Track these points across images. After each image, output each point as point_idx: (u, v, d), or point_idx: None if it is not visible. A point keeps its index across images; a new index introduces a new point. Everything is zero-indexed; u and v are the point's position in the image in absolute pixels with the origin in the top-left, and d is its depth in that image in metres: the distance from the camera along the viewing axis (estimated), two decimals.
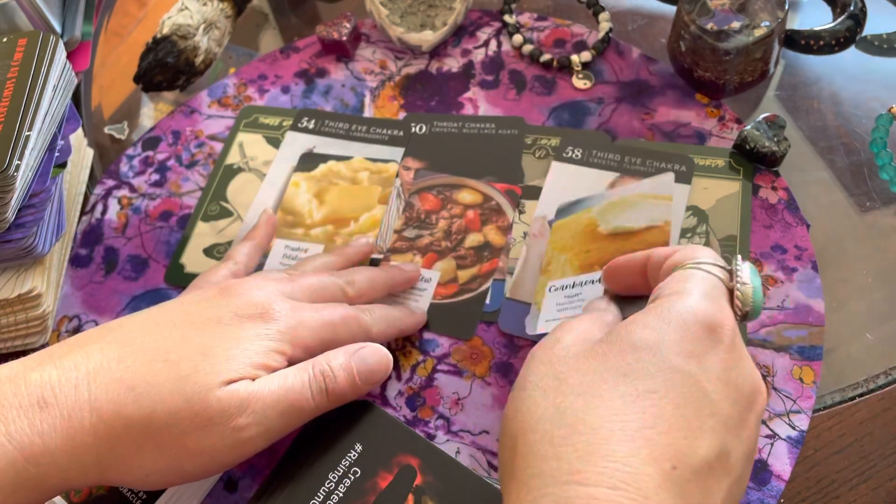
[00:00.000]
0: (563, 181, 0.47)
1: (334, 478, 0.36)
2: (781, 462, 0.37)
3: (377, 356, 0.36)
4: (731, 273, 0.30)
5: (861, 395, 0.40)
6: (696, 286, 0.29)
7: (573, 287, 0.42)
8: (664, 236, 0.40)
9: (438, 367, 0.42)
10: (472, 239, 0.46)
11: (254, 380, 0.33)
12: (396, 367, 0.42)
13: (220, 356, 0.33)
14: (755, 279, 0.29)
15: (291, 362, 0.35)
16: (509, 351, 0.42)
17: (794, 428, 0.38)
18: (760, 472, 0.37)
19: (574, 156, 0.48)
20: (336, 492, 0.35)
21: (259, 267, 0.46)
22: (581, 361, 0.28)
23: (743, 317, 0.29)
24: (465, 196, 0.48)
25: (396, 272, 0.43)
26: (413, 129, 0.52)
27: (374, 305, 0.40)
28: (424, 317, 0.43)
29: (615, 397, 0.26)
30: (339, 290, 0.40)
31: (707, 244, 0.44)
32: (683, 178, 0.46)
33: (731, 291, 0.29)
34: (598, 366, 0.27)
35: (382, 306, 0.41)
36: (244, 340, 0.34)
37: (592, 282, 0.41)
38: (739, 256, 0.30)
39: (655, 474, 0.24)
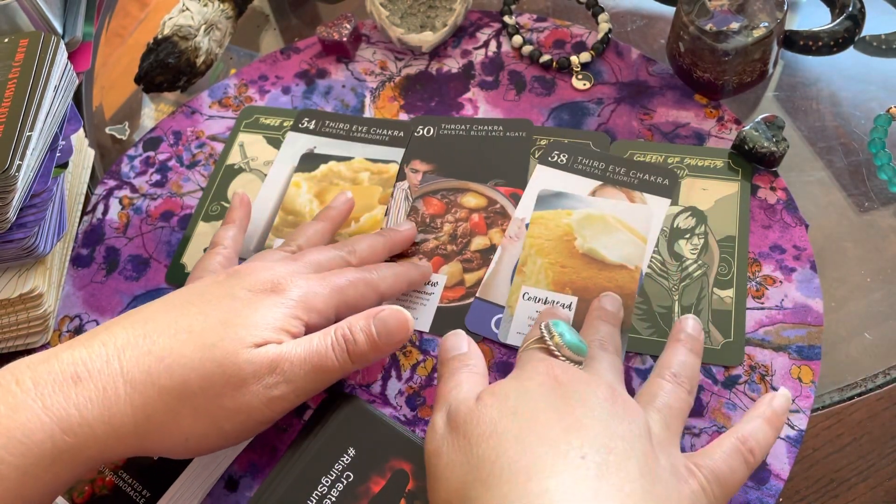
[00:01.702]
0: (545, 185, 0.47)
1: (327, 482, 0.36)
2: (780, 461, 0.37)
3: (396, 318, 0.37)
4: (542, 338, 0.36)
5: (859, 394, 0.40)
6: (523, 361, 0.35)
7: (545, 303, 0.42)
8: (633, 283, 0.42)
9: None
10: (478, 242, 0.46)
11: (280, 343, 0.35)
12: (396, 366, 0.42)
13: (241, 324, 0.35)
14: (558, 327, 0.35)
15: (308, 328, 0.37)
16: (509, 350, 0.42)
17: (792, 427, 0.38)
18: (759, 471, 0.37)
19: (559, 160, 0.48)
20: (329, 496, 0.36)
21: None
22: (471, 426, 0.32)
23: (569, 358, 0.35)
24: (470, 200, 0.48)
25: (393, 233, 0.45)
26: (420, 132, 0.52)
27: (379, 264, 0.42)
28: (430, 269, 0.44)
29: (504, 437, 0.30)
30: (342, 262, 0.41)
31: (706, 245, 0.44)
32: (665, 191, 0.46)
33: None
34: (486, 426, 0.31)
35: (388, 264, 0.43)
36: (262, 308, 0.36)
37: (563, 305, 0.42)
38: (543, 323, 0.36)
39: (566, 469, 0.28)
